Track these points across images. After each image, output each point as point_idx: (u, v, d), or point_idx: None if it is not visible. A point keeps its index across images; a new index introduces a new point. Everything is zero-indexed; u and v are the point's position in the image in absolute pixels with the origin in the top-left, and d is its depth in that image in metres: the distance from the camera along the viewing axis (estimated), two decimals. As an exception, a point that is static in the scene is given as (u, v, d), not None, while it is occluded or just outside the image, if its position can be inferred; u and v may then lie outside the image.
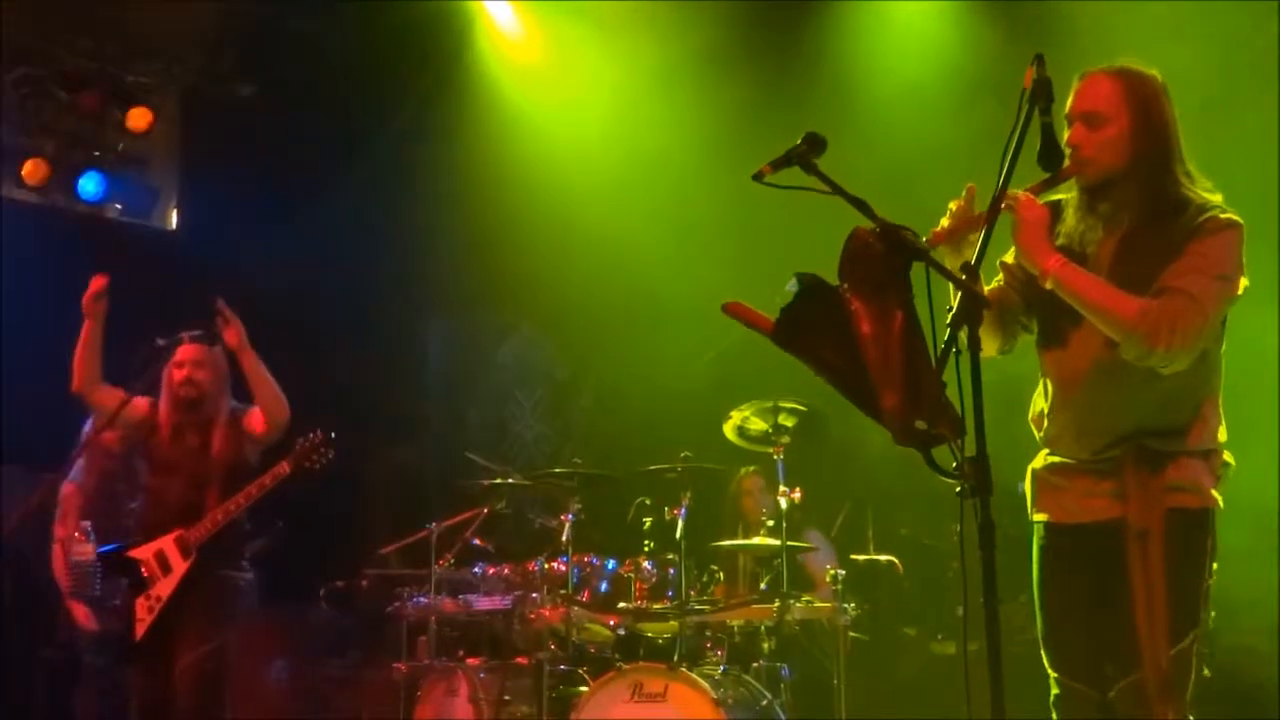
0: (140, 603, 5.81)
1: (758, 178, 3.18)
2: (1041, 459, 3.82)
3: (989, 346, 3.87)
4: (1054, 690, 3.72)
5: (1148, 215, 3.59)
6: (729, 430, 6.57)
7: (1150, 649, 3.43)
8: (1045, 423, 3.78)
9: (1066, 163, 3.58)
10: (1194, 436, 3.56)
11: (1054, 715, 3.72)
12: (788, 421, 6.34)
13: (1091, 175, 3.64)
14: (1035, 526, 3.84)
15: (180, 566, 5.76)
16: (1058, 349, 3.73)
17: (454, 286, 9.90)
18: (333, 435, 5.82)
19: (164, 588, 5.77)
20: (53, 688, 7.05)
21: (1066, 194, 3.76)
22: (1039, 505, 3.82)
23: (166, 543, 5.81)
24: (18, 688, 7.26)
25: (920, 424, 2.97)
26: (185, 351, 6.00)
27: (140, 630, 5.77)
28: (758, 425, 6.47)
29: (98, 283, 5.98)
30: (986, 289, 3.80)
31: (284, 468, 5.78)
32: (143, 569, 5.83)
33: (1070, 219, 3.73)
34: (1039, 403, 3.82)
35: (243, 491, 5.78)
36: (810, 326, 3.08)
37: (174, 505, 5.90)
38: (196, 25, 9.16)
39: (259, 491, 5.78)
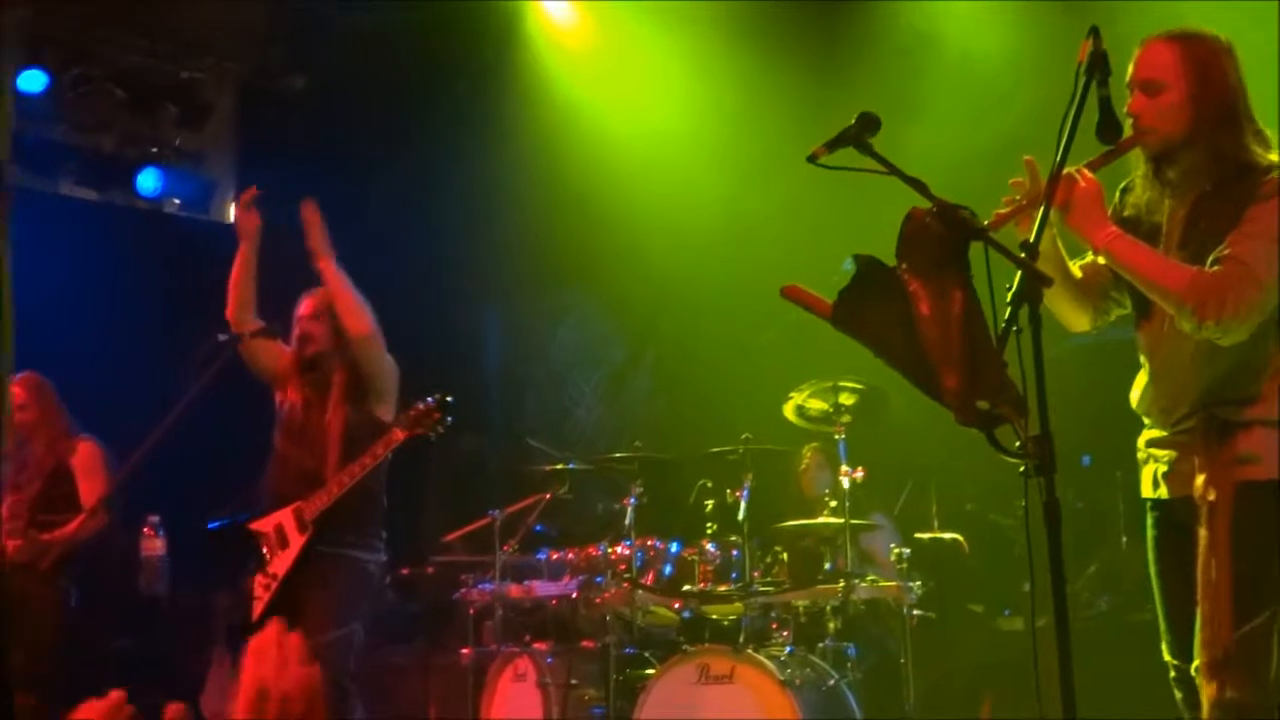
0: (258, 580, 5.57)
1: (812, 159, 3.18)
2: (1142, 434, 3.79)
3: (1080, 322, 3.86)
4: (1170, 673, 3.70)
5: (1215, 181, 3.55)
6: (789, 411, 6.56)
7: (1212, 627, 3.40)
8: (1139, 396, 3.76)
9: (1127, 133, 3.56)
10: (1265, 405, 3.51)
11: (1175, 693, 3.69)
12: (848, 400, 6.34)
13: (1153, 144, 3.60)
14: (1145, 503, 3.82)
15: (297, 541, 5.48)
16: (1145, 322, 3.71)
17: (509, 273, 9.93)
18: (449, 400, 5.44)
19: (280, 564, 5.49)
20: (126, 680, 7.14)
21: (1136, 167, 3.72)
22: (1144, 480, 3.78)
23: (285, 515, 5.54)
24: (88, 680, 7.38)
25: (982, 404, 2.96)
26: (302, 305, 5.77)
27: (257, 609, 5.52)
28: (817, 405, 6.46)
29: (249, 193, 5.78)
30: (1079, 264, 3.79)
31: (397, 435, 5.44)
32: (262, 544, 5.60)
33: (1138, 189, 3.70)
34: (1141, 378, 3.79)
35: (357, 461, 5.44)
36: (868, 308, 3.08)
37: (294, 474, 5.62)
38: (248, 20, 9.23)
39: (373, 461, 5.43)
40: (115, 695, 1.32)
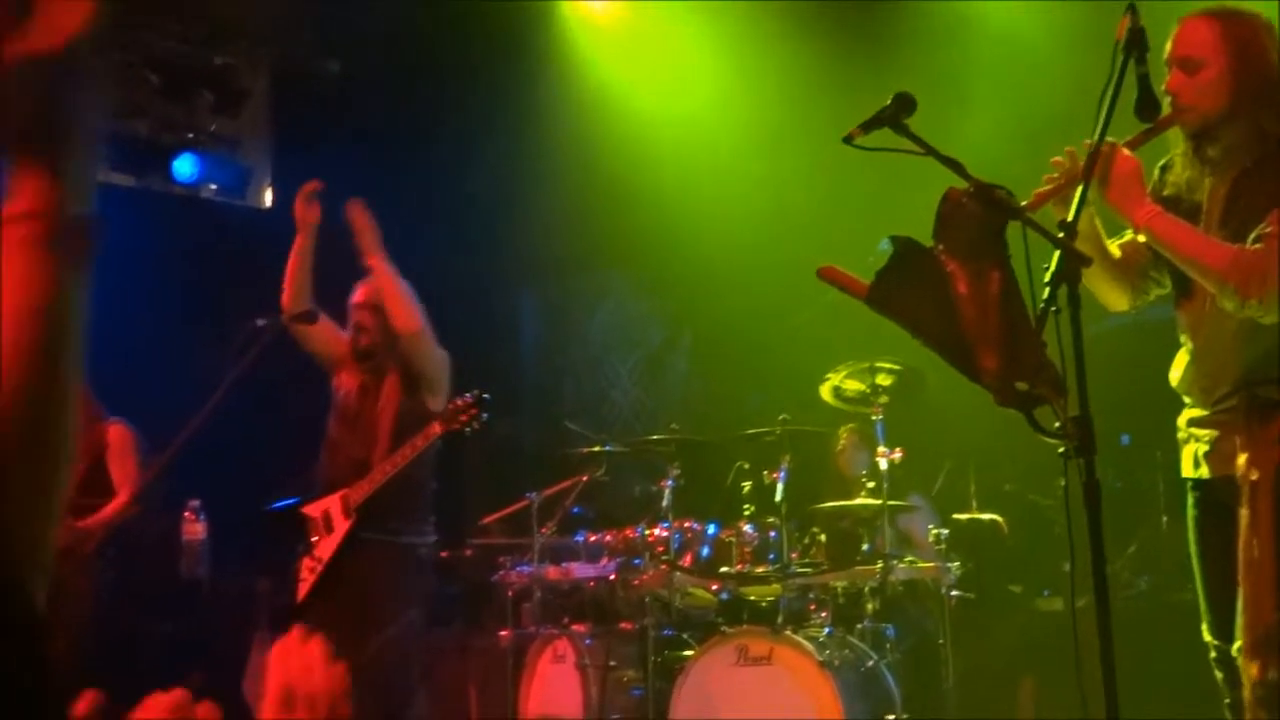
0: (305, 563, 5.65)
1: (848, 140, 3.17)
2: (1183, 413, 3.78)
3: (1119, 301, 3.84)
4: (1211, 653, 3.69)
5: (1256, 158, 3.52)
6: (825, 392, 6.55)
7: (1254, 607, 3.38)
8: (1180, 375, 3.74)
9: (1166, 110, 3.53)
10: None
11: (1216, 673, 3.68)
12: (885, 381, 6.31)
13: (1192, 121, 3.58)
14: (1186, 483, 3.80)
15: (341, 527, 5.55)
16: (1185, 301, 3.69)
17: (546, 256, 9.94)
18: (485, 396, 5.50)
19: (325, 549, 5.57)
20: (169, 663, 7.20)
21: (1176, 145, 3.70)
22: (1184, 460, 3.77)
23: (334, 501, 5.62)
24: (130, 662, 7.45)
25: (1021, 385, 2.96)
26: (357, 294, 5.82)
27: (302, 591, 5.59)
28: (854, 386, 6.45)
29: (310, 186, 5.81)
30: (1118, 243, 3.77)
31: (435, 428, 5.51)
32: (310, 528, 5.67)
33: (1178, 167, 3.68)
34: (1181, 357, 3.77)
35: (398, 451, 5.51)
36: (905, 289, 3.08)
37: (345, 460, 5.70)
38: (281, 5, 9.26)
39: (412, 452, 5.50)
40: (179, 693, 1.34)
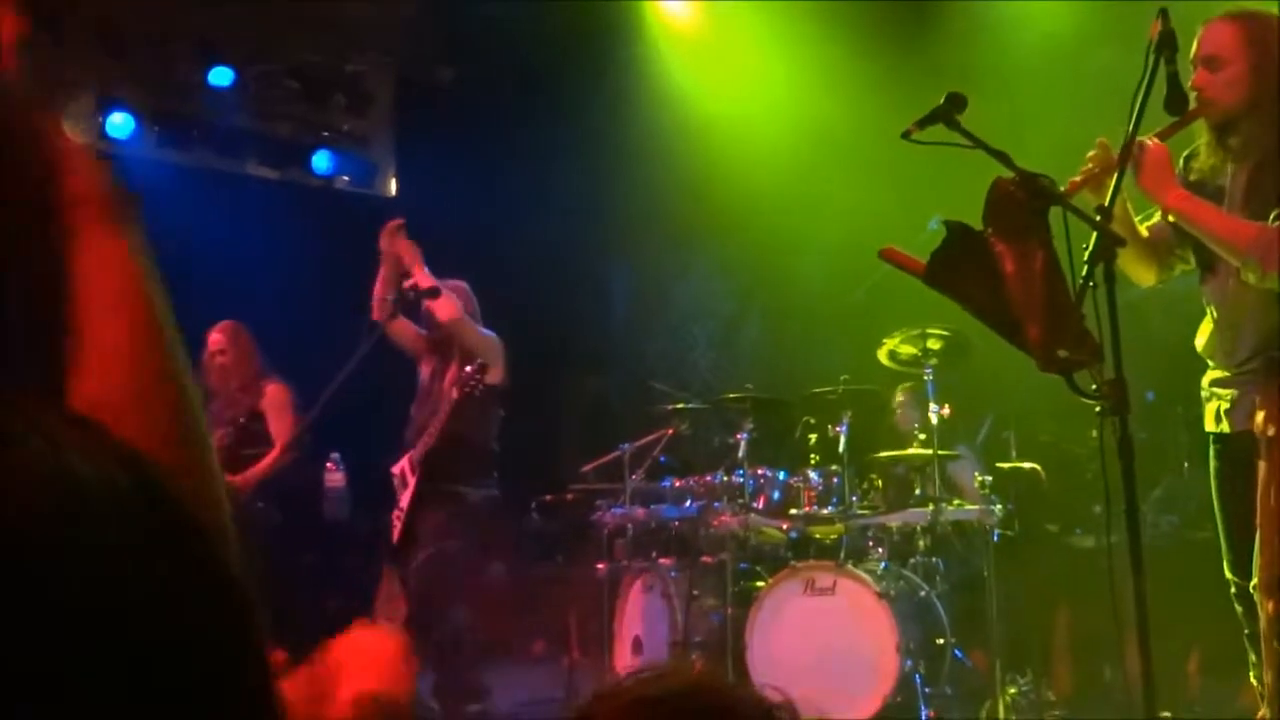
0: (395, 513, 6.00)
1: (906, 136, 3.14)
2: (1206, 374, 3.72)
3: (1147, 277, 3.79)
4: (1231, 589, 3.64)
5: (1273, 147, 3.46)
6: (882, 355, 6.50)
7: (1271, 548, 3.33)
8: (1204, 341, 3.68)
9: (1192, 105, 3.47)
10: None
11: (1236, 607, 3.63)
12: (934, 345, 6.25)
13: (1215, 115, 3.52)
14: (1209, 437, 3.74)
15: (411, 481, 5.88)
16: (1209, 275, 3.63)
17: (635, 236, 9.94)
18: (484, 365, 5.78)
19: (404, 499, 5.91)
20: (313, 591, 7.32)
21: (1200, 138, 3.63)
22: (1207, 416, 3.71)
23: (406, 461, 5.96)
24: (282, 592, 7.58)
25: (1062, 352, 2.93)
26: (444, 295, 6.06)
27: (395, 533, 5.96)
28: (908, 350, 6.39)
29: (395, 222, 6.06)
30: (1145, 225, 3.71)
31: (452, 393, 5.82)
32: (396, 484, 6.00)
33: (1203, 156, 3.61)
34: (1206, 325, 3.71)
35: (435, 418, 5.85)
36: (958, 268, 3.05)
37: (416, 430, 6.02)
38: (403, 19, 9.31)
39: (446, 414, 5.81)
40: (277, 657, 1.33)
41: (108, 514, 0.71)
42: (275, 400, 6.50)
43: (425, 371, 6.18)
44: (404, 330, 6.19)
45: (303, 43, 9.31)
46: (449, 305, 5.96)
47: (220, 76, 8.93)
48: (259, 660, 0.76)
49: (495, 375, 5.93)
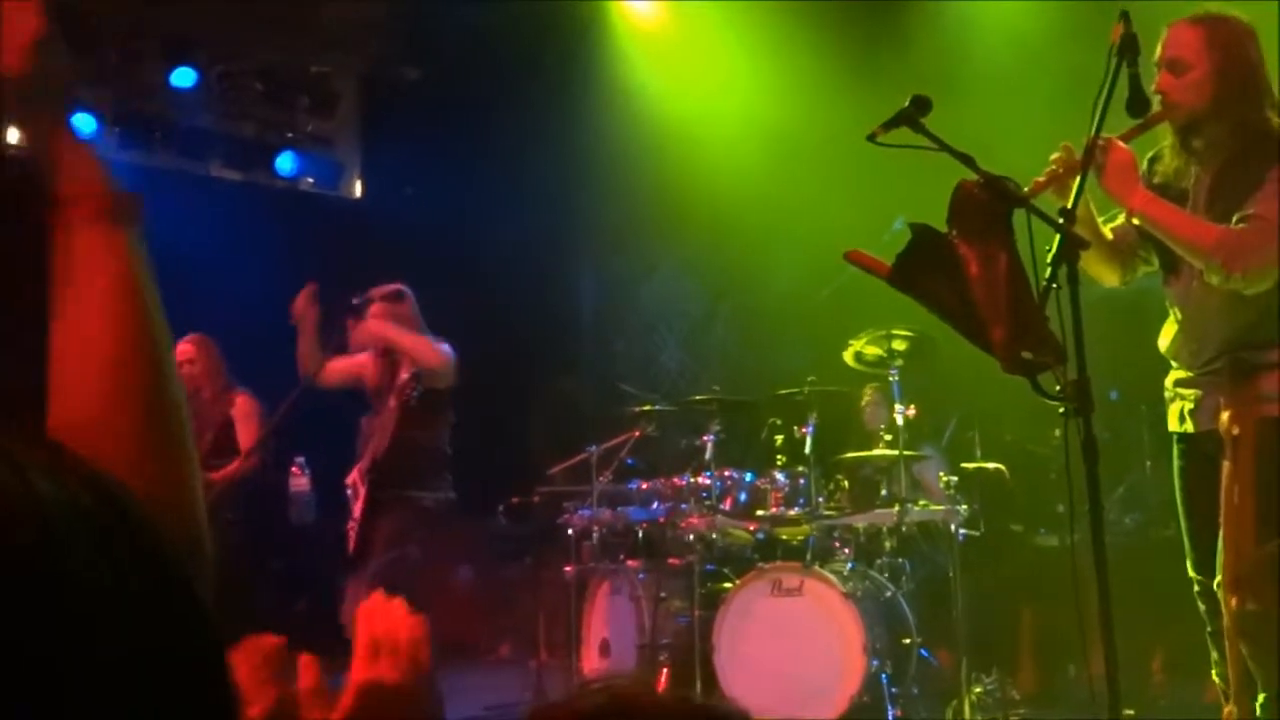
0: (350, 524, 5.89)
1: (871, 138, 3.14)
2: (1170, 375, 3.73)
3: (1110, 278, 3.80)
4: (1195, 587, 3.65)
5: (1237, 150, 3.48)
6: (848, 356, 6.51)
7: (1234, 547, 3.35)
8: (1168, 342, 3.70)
9: (1155, 108, 3.48)
10: None
11: (1200, 605, 3.65)
12: (900, 346, 6.26)
13: (1179, 117, 3.53)
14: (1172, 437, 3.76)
15: (361, 491, 5.80)
16: (1173, 277, 3.64)
17: (602, 236, 9.93)
18: (420, 374, 5.69)
19: (357, 508, 5.84)
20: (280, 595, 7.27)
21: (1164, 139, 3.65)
22: (1171, 416, 3.73)
23: (357, 471, 5.88)
24: (249, 596, 7.52)
25: (1026, 354, 2.93)
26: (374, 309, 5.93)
27: (350, 543, 5.85)
28: (873, 351, 6.40)
29: (306, 290, 5.93)
30: (1109, 226, 3.72)
31: (390, 401, 5.75)
32: (350, 493, 5.92)
33: (1167, 158, 3.62)
34: (1169, 326, 3.72)
35: (382, 427, 5.77)
36: (923, 270, 3.05)
37: (363, 437, 5.95)
38: (367, 19, 9.26)
39: (387, 422, 5.73)
40: (274, 641, 1.32)
41: (71, 536, 0.70)
42: (244, 410, 6.52)
43: (373, 382, 6.03)
44: (339, 369, 6.01)
45: (267, 43, 9.25)
46: (371, 328, 5.80)
47: (183, 77, 8.87)
48: (221, 678, 0.76)
49: (442, 380, 5.79)
